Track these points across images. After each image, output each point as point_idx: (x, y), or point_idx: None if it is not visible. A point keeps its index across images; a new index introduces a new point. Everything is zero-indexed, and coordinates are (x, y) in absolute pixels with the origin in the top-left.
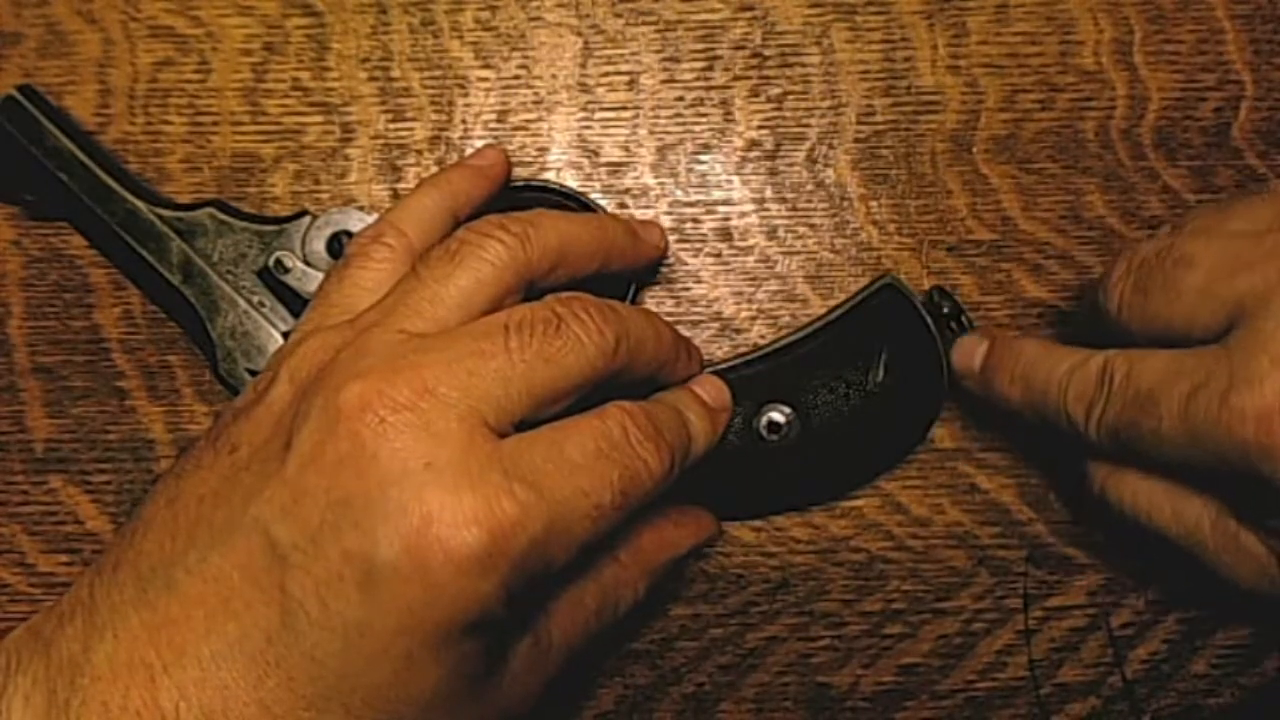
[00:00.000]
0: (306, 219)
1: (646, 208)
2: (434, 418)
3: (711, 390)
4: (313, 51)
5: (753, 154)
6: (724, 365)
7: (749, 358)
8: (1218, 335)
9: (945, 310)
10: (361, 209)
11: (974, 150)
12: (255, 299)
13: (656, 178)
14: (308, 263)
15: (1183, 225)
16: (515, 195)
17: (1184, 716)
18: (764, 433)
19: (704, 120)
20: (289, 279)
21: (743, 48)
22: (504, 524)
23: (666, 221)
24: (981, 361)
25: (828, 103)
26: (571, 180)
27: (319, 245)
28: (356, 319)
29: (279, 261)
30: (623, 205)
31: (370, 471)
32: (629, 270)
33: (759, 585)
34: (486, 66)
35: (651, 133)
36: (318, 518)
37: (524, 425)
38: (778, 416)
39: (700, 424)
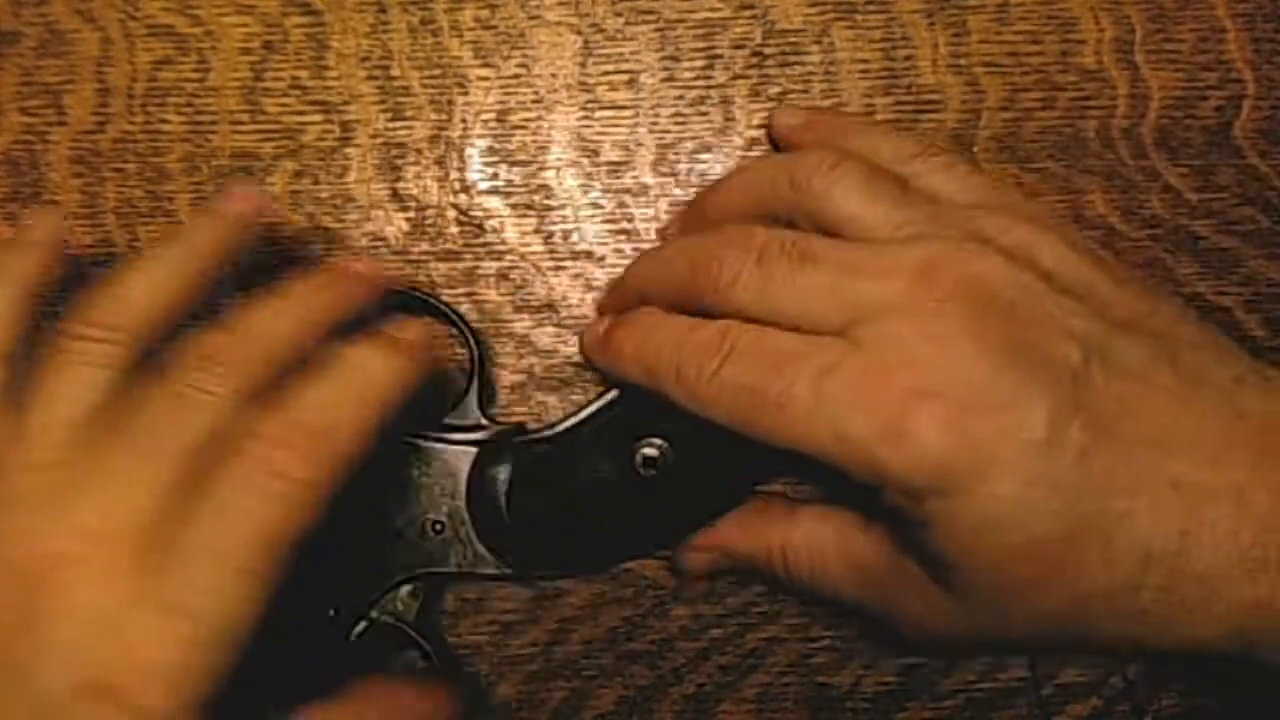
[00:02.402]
0: None
1: (646, 207)
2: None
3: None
4: (312, 50)
5: (753, 153)
6: (586, 414)
7: (604, 401)
8: (835, 329)
9: None
10: None
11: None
12: None
13: (656, 177)
14: None
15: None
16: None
17: (1185, 716)
18: (641, 470)
19: (704, 119)
20: None
21: (743, 46)
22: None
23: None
24: (602, 335)
25: (828, 102)
26: (571, 180)
27: None
28: None
29: None
30: (623, 205)
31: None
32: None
33: (759, 585)
34: (486, 65)
35: (651, 132)
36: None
37: None
38: (651, 451)
39: (382, 366)
